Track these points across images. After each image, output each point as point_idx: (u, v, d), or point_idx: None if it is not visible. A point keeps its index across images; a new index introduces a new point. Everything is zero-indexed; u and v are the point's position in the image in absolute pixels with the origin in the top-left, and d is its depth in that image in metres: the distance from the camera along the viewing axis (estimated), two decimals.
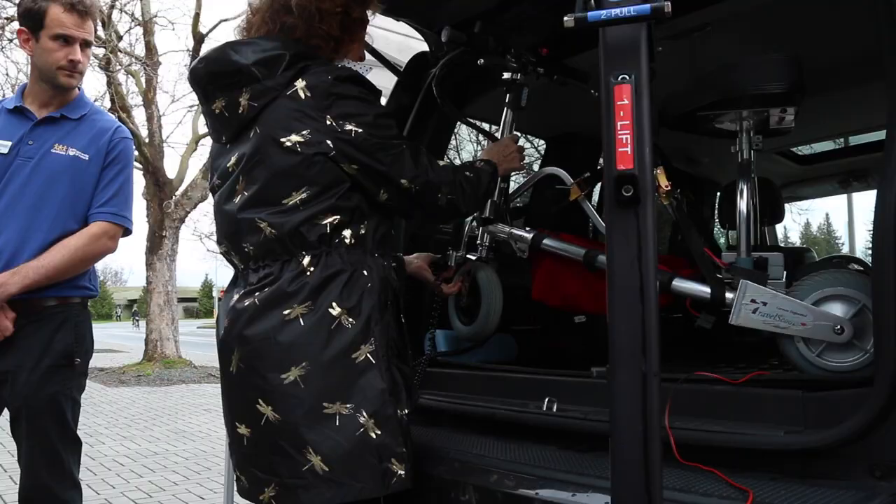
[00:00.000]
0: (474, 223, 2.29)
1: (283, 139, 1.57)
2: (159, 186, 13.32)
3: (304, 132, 1.56)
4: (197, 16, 12.99)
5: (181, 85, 23.92)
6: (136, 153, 14.24)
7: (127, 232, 2.31)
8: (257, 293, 1.60)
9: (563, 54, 2.31)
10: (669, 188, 1.85)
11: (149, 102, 13.69)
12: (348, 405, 1.53)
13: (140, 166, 14.01)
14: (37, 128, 2.21)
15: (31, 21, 2.16)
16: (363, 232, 1.64)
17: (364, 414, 1.53)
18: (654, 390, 0.89)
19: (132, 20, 14.35)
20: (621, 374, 0.91)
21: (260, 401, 1.56)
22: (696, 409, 1.60)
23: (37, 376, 2.11)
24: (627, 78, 0.92)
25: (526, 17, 2.26)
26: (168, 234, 13.10)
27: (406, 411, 1.63)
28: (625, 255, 0.91)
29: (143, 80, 13.80)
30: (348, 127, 1.58)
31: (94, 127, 2.28)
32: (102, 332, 37.77)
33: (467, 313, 2.32)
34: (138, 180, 13.80)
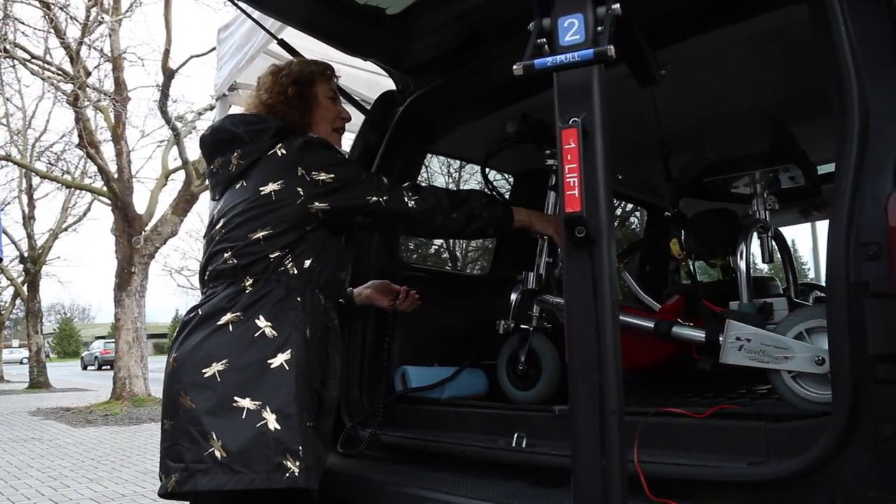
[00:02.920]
0: (519, 295, 2.31)
1: (261, 188, 1.85)
2: (128, 222, 13.16)
3: (279, 181, 1.85)
4: (167, 52, 12.97)
5: (151, 120, 23.87)
6: (104, 188, 14.12)
7: None
8: (201, 307, 1.84)
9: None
10: (683, 256, 2.06)
11: (118, 138, 13.58)
12: (256, 402, 1.69)
13: (108, 202, 13.86)
14: None
15: None
16: (306, 267, 1.86)
17: (268, 409, 1.69)
18: (613, 427, 0.90)
19: (101, 56, 14.32)
20: (581, 411, 0.92)
21: (182, 393, 1.74)
22: (663, 442, 1.61)
23: None
24: (575, 121, 0.94)
25: (490, 57, 2.30)
26: (137, 269, 12.91)
27: (311, 423, 1.78)
28: (581, 294, 0.93)
29: (111, 115, 13.71)
30: (316, 175, 1.85)
31: None
32: (69, 371, 37.05)
33: (523, 380, 2.31)
34: (107, 216, 13.64)
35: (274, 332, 1.75)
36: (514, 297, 2.31)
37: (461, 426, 2.09)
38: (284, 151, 1.88)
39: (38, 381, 20.49)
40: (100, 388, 18.01)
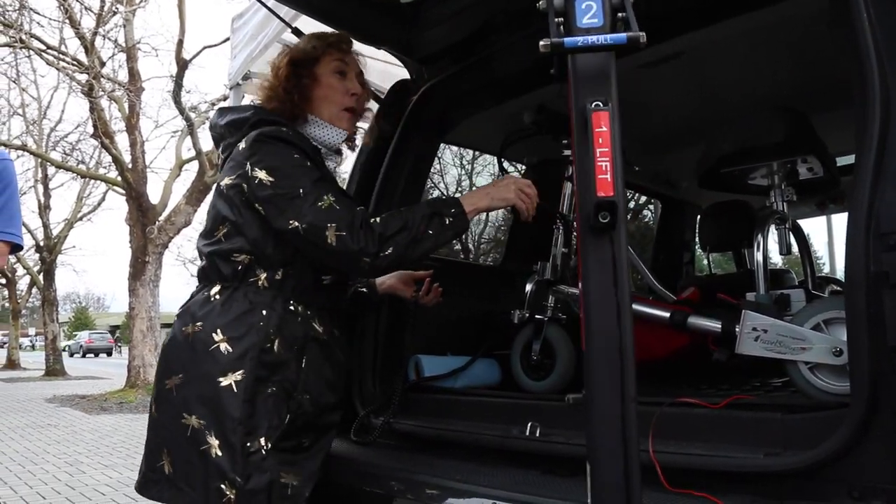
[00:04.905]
0: (534, 286, 2.29)
1: (222, 183, 1.80)
2: (142, 212, 13.25)
3: (233, 176, 1.76)
4: (180, 42, 13.00)
5: (165, 111, 23.98)
6: (118, 178, 14.20)
7: (16, 247, 2.31)
8: (183, 307, 1.84)
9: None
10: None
11: (132, 128, 13.67)
12: (202, 421, 1.66)
13: (123, 191, 13.95)
14: None
15: None
16: (278, 277, 1.76)
17: (212, 433, 1.65)
18: (631, 415, 0.90)
19: (116, 46, 14.39)
20: (598, 399, 0.92)
21: (153, 401, 1.80)
22: (679, 433, 1.60)
23: None
24: (603, 104, 0.92)
25: (503, 46, 2.28)
26: (151, 259, 13.01)
27: (269, 446, 1.68)
28: (601, 281, 0.92)
29: (126, 105, 13.78)
30: (257, 173, 1.69)
31: None
32: (85, 359, 37.39)
33: (537, 370, 2.29)
34: (121, 206, 13.72)
35: (229, 349, 1.68)
36: (529, 287, 2.30)
37: (474, 415, 2.09)
38: (243, 145, 1.76)
39: (54, 369, 20.72)
40: (114, 377, 18.18)
